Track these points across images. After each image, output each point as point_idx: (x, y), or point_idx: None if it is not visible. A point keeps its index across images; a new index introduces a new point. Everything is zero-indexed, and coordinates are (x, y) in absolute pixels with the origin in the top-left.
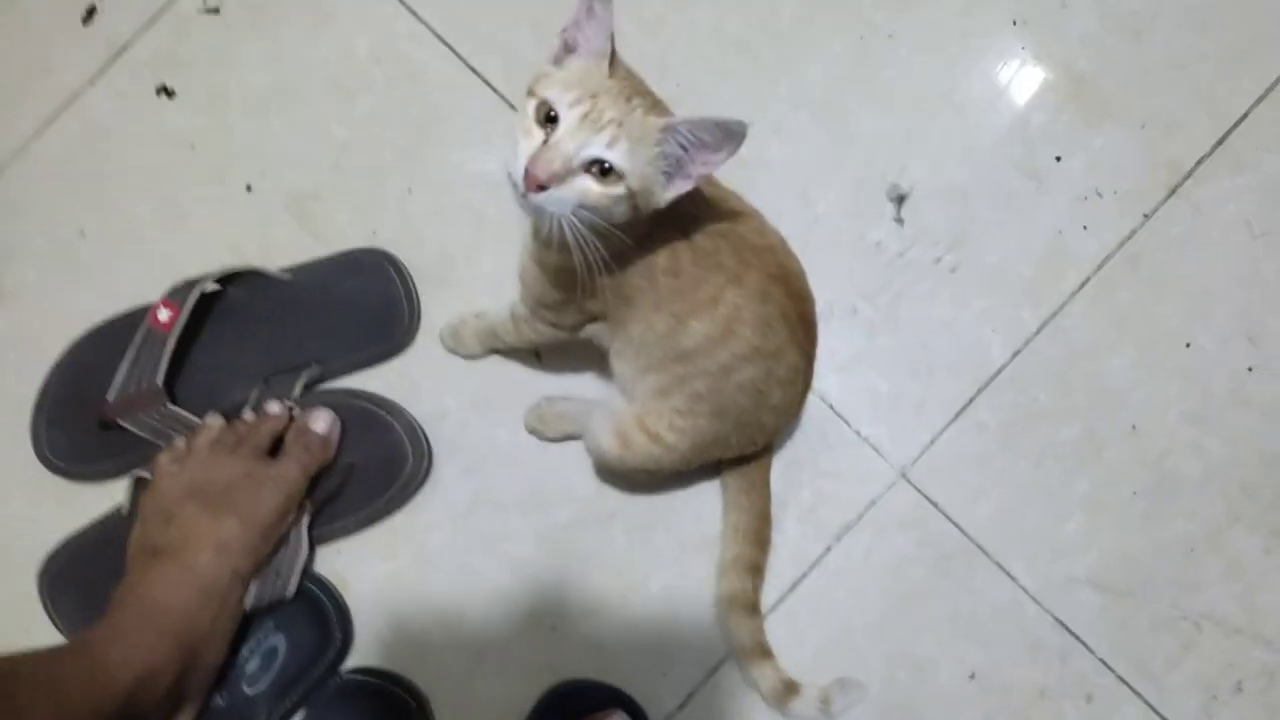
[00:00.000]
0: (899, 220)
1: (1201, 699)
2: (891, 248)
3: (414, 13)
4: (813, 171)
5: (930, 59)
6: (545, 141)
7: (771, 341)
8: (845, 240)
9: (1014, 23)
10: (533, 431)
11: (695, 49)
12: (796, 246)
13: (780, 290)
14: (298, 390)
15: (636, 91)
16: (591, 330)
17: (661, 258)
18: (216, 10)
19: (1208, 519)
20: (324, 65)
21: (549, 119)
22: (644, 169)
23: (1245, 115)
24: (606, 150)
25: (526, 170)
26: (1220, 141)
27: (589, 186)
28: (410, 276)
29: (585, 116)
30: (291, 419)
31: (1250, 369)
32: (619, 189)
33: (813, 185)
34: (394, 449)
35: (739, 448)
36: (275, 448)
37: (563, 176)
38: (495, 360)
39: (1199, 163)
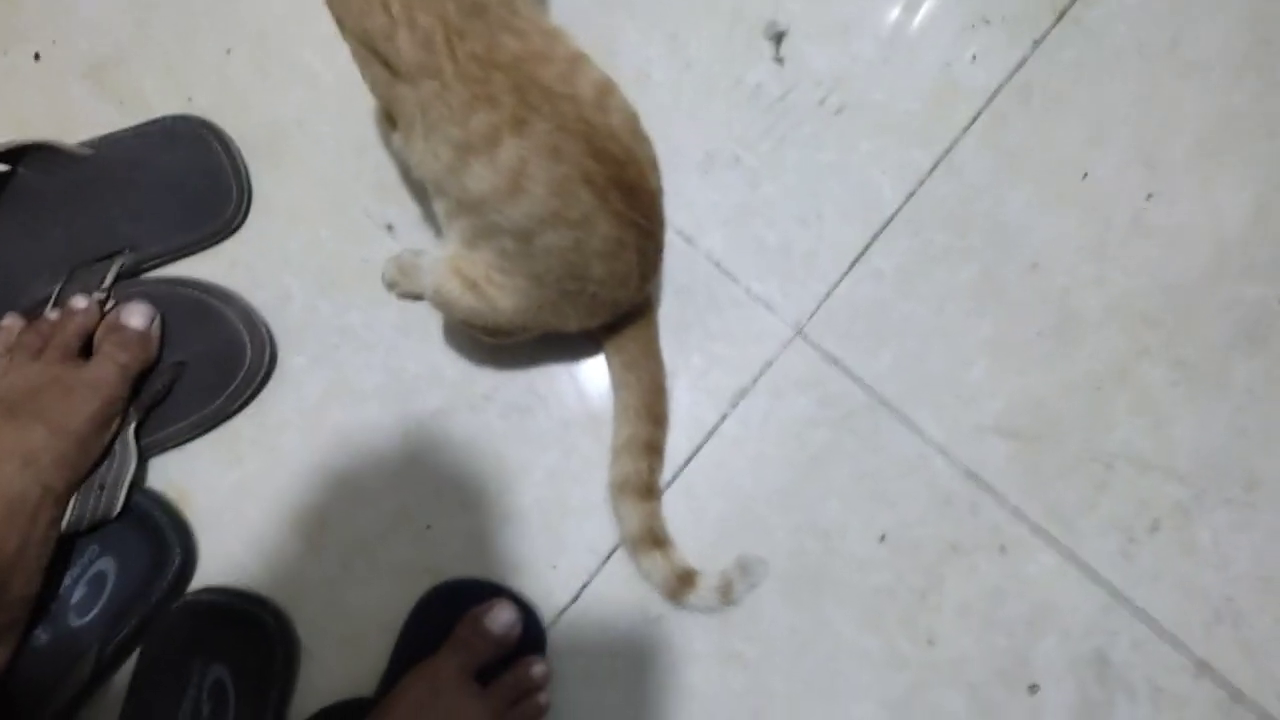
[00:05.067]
0: (778, 60)
1: (1118, 541)
2: (772, 91)
3: None
4: (681, 11)
5: None
6: None
7: (574, 210)
8: (721, 86)
9: None
10: (391, 285)
11: None
12: (669, 96)
13: (579, 149)
14: (109, 281)
15: None
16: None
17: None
18: None
19: (1112, 354)
20: None
21: None
22: None
23: None
24: None
25: None
26: None
27: None
28: (236, 147)
29: None
30: (104, 315)
31: (1149, 196)
32: None
33: (683, 26)
34: (229, 341)
35: (580, 320)
36: (88, 349)
37: None
38: (342, 237)
39: None
